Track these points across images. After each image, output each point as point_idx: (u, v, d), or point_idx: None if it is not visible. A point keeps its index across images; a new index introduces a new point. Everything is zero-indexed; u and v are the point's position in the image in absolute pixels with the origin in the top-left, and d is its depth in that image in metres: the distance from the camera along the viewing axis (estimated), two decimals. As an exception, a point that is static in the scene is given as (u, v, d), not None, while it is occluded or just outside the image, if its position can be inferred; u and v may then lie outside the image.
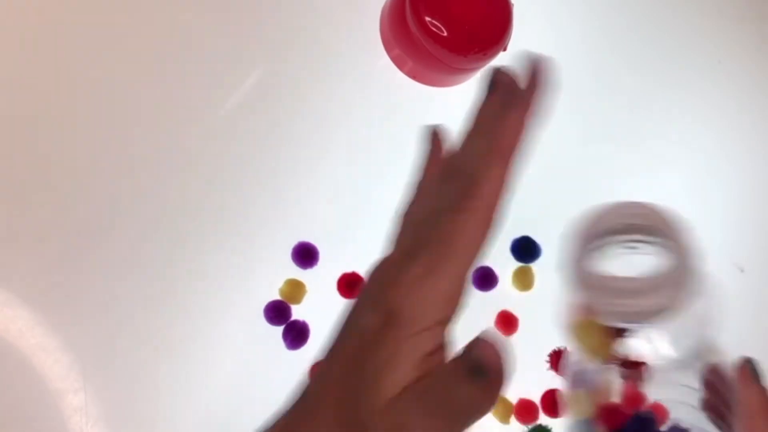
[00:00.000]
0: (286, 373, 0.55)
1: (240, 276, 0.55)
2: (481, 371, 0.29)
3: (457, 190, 0.31)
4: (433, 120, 0.59)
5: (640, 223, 0.36)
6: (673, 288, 0.34)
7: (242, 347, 0.55)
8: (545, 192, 0.59)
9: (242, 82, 0.57)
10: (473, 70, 0.56)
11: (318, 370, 0.32)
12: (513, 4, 0.55)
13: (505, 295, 0.58)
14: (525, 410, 0.56)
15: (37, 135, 0.54)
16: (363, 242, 0.57)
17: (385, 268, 0.32)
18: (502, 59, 0.55)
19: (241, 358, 0.54)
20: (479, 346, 0.30)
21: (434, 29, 0.53)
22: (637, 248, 0.36)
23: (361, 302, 0.32)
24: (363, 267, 0.55)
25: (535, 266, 0.59)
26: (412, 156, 0.60)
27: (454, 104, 0.61)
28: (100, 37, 0.56)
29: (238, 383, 0.54)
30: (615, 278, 0.35)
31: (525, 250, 0.59)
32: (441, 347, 0.31)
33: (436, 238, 0.30)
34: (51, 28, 0.55)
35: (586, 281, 0.35)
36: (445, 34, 0.53)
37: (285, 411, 0.31)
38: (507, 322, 0.58)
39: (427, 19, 0.53)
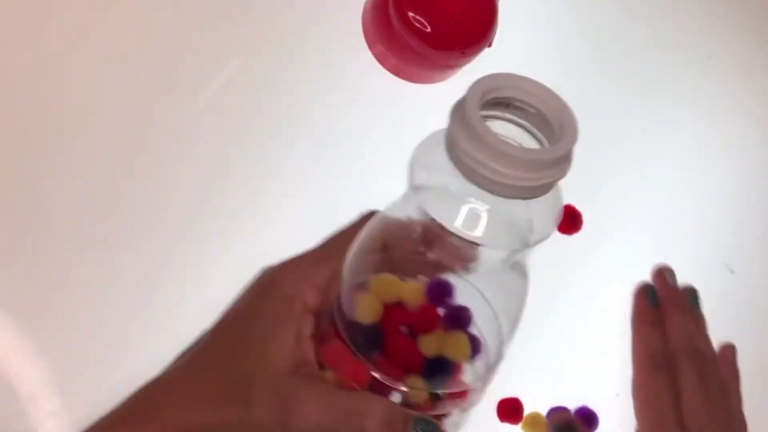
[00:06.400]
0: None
1: (221, 278, 0.54)
2: None
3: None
4: (418, 117, 0.59)
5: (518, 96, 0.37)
6: (557, 166, 0.35)
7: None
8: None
9: (220, 78, 0.56)
10: (457, 66, 0.56)
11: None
12: (498, -1, 0.54)
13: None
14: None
15: (8, 134, 0.53)
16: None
17: None
18: (485, 55, 0.54)
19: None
20: None
21: (417, 25, 0.52)
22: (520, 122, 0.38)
23: None
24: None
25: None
26: (394, 153, 0.59)
27: (438, 101, 0.61)
28: (73, 28, 0.55)
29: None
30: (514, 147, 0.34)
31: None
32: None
33: None
34: (21, 24, 0.54)
35: (478, 139, 0.34)
36: (429, 30, 0.52)
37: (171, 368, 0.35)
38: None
39: (411, 14, 0.52)
